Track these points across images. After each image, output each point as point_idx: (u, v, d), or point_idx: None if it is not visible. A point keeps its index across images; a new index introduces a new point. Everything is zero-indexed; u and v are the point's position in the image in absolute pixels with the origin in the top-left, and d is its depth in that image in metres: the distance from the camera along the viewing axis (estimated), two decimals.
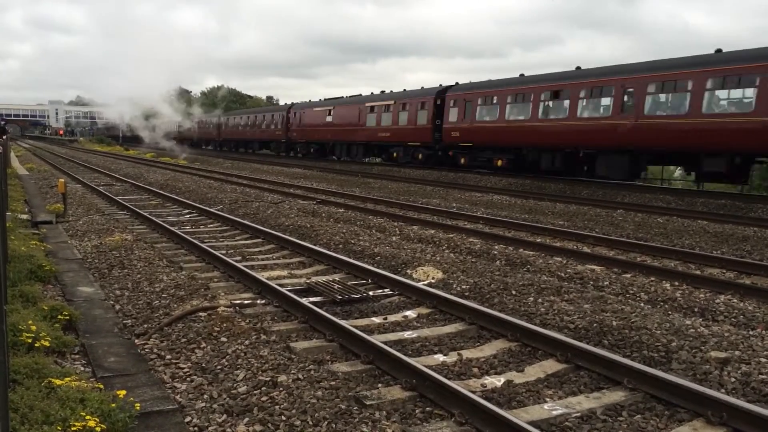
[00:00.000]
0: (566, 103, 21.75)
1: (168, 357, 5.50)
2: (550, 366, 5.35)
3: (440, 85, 30.25)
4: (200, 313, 6.43)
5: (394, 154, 32.84)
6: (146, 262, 8.92)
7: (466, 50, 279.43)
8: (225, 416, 4.33)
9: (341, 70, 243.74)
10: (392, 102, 32.27)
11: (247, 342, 5.70)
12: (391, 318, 6.74)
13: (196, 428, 4.20)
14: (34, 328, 5.25)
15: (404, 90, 33.21)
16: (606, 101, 20.50)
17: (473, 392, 4.54)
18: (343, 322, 6.04)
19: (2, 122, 27.93)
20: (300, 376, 4.89)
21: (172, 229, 11.68)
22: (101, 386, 4.56)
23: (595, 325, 6.32)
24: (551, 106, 22.66)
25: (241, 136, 53.56)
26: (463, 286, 7.91)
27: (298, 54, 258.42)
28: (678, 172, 24.68)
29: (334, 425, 4.15)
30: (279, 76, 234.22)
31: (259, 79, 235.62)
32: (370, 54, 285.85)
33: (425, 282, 8.10)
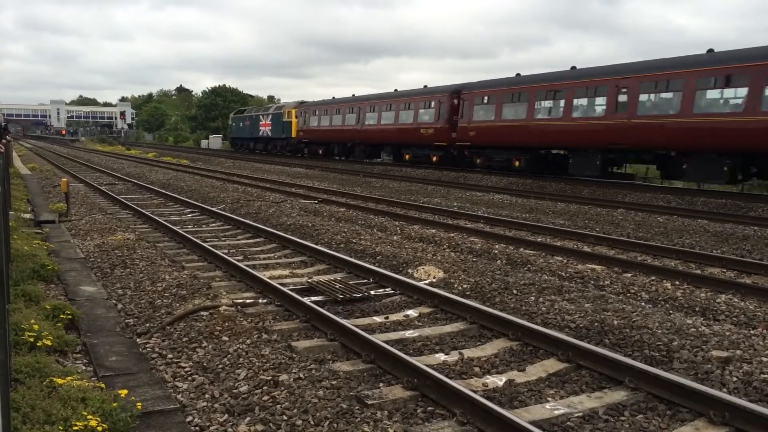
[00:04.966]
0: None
1: (169, 356, 5.50)
2: (552, 365, 5.35)
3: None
4: (202, 313, 6.44)
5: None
6: (148, 261, 8.93)
7: (457, 50, 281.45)
8: (226, 416, 4.34)
9: (335, 70, 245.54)
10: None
11: (248, 341, 5.70)
12: (393, 317, 6.75)
13: (197, 428, 4.20)
14: (36, 327, 5.26)
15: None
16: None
17: (475, 392, 4.54)
18: (344, 322, 6.05)
19: (4, 122, 27.72)
20: (301, 376, 4.89)
21: (174, 228, 11.70)
22: (103, 385, 4.56)
23: (596, 324, 6.32)
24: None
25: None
26: (464, 286, 7.91)
27: (291, 54, 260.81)
28: None
29: (335, 425, 4.15)
30: (275, 76, 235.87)
31: (256, 78, 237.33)
32: (363, 54, 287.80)
33: (426, 281, 8.11)
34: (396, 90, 36.38)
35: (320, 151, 42.61)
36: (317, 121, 42.11)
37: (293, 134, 44.94)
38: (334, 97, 42.50)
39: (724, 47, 20.93)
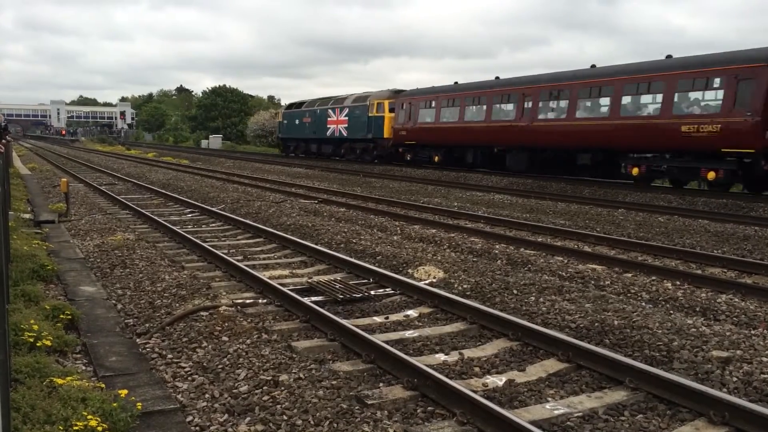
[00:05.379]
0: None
1: (169, 356, 5.50)
2: (552, 365, 5.35)
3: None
4: (202, 313, 6.44)
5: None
6: (148, 261, 8.93)
7: (456, 50, 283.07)
8: (226, 416, 4.34)
9: (335, 70, 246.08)
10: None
11: (248, 341, 5.70)
12: (393, 317, 6.74)
13: (197, 428, 4.20)
14: (36, 327, 5.26)
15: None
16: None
17: (475, 392, 4.54)
18: (344, 322, 6.05)
19: (4, 122, 27.58)
20: (301, 376, 4.89)
21: (174, 228, 11.70)
22: (103, 386, 4.56)
23: (596, 324, 6.32)
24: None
25: None
26: (465, 286, 7.91)
27: (291, 54, 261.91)
28: None
29: (335, 425, 4.15)
30: (274, 76, 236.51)
31: (255, 79, 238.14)
32: (362, 54, 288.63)
33: (426, 281, 8.10)
34: (593, 66, 22.63)
35: (436, 158, 30.54)
36: (433, 114, 29.78)
37: (386, 134, 32.99)
38: (457, 82, 30.56)
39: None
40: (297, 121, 42.83)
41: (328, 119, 38.38)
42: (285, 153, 46.50)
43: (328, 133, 38.49)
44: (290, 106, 45.95)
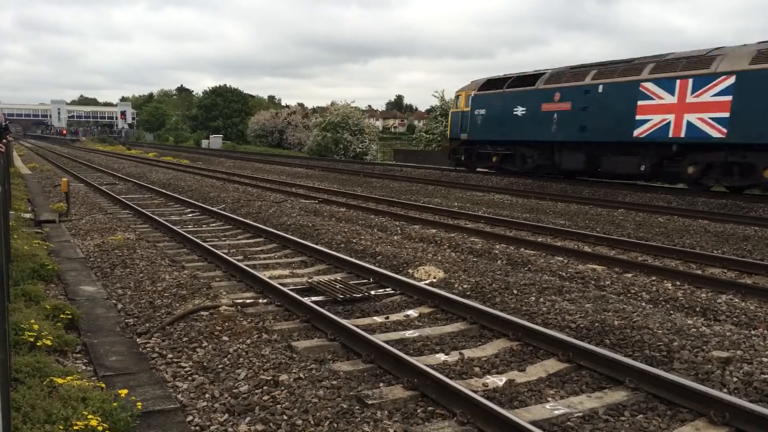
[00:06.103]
0: None
1: (170, 356, 5.50)
2: (552, 365, 5.35)
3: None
4: (202, 312, 6.44)
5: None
6: (148, 261, 8.94)
7: (455, 51, 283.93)
8: (226, 415, 4.34)
9: (334, 70, 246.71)
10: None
11: (248, 341, 5.70)
12: (393, 317, 6.75)
13: (197, 427, 4.20)
14: (36, 326, 5.26)
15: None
16: None
17: (475, 392, 4.54)
18: (344, 322, 6.05)
19: (6, 122, 27.29)
20: (301, 376, 4.89)
21: (174, 228, 11.70)
22: (103, 385, 4.56)
23: (596, 324, 6.32)
24: None
25: None
26: (465, 286, 7.91)
27: (290, 55, 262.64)
28: None
29: (335, 425, 4.15)
30: (274, 76, 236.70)
31: (255, 79, 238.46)
32: (361, 54, 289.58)
33: (427, 281, 8.11)
34: None
35: None
36: None
37: None
38: None
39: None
40: (518, 110, 23.91)
41: (640, 103, 19.03)
42: (467, 167, 27.48)
43: (640, 131, 19.16)
44: (491, 83, 25.61)
